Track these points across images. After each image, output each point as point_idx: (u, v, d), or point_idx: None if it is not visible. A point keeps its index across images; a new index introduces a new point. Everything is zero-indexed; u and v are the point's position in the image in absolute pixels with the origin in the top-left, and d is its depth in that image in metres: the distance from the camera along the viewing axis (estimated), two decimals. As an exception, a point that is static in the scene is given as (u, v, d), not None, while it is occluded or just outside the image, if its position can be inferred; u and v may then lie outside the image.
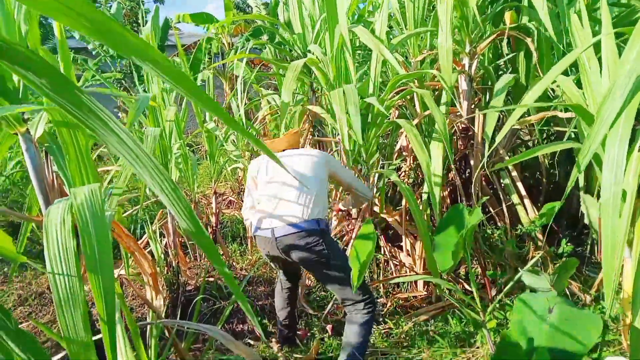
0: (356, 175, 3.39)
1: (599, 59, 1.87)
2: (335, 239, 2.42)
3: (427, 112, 3.23)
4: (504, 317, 2.13)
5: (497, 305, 1.77)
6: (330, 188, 2.64)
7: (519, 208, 3.05)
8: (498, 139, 1.95)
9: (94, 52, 10.14)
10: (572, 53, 1.78)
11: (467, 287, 2.82)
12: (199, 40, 7.82)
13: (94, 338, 1.53)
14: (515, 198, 3.13)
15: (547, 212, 1.99)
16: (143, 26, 3.89)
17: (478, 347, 2.01)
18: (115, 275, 2.04)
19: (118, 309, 1.47)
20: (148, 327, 1.87)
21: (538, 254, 2.00)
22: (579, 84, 2.28)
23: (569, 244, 1.94)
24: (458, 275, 2.82)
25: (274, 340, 2.58)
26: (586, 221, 2.10)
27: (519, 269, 2.26)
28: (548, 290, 1.52)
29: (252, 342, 2.63)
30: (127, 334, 1.54)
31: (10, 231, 4.63)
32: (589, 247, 2.48)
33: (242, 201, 4.74)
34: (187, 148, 3.68)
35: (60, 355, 1.38)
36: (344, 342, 2.16)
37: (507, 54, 3.35)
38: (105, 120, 0.79)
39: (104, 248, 1.07)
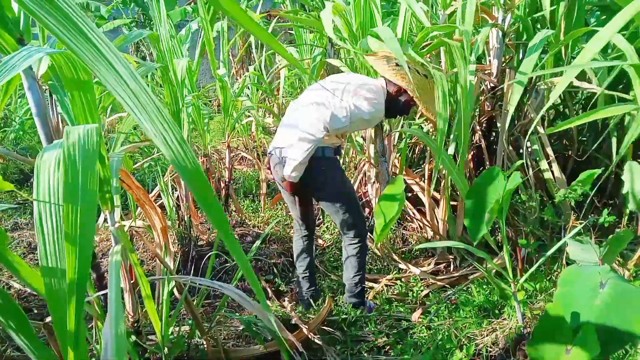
0: (377, 134, 3.24)
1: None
2: (338, 166, 2.36)
3: (454, 70, 3.03)
4: (534, 289, 2.03)
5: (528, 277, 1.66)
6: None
7: (547, 174, 2.90)
8: (550, 100, 1.77)
9: (106, -2, 9.84)
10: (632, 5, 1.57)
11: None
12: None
13: (100, 293, 1.45)
14: (543, 164, 2.97)
15: (585, 179, 1.84)
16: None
17: (505, 319, 1.92)
18: (126, 228, 1.95)
19: (127, 264, 1.38)
20: (158, 282, 1.80)
21: (578, 223, 1.87)
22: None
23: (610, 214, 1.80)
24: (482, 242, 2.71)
25: (287, 299, 2.52)
26: (625, 190, 1.95)
27: (555, 239, 2.15)
28: (595, 264, 1.39)
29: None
30: (135, 289, 1.46)
31: (22, 179, 4.60)
32: (626, 218, 2.34)
33: (255, 157, 4.64)
34: (202, 100, 3.54)
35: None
36: (344, 278, 2.41)
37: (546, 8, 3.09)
38: (98, 46, 0.65)
39: (88, 182, 0.95)
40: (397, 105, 2.32)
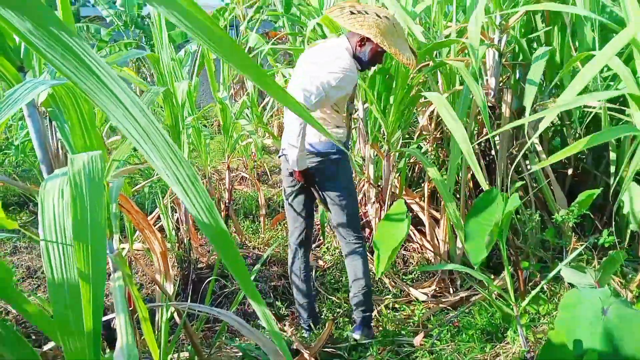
0: (374, 153, 3.25)
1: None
2: (347, 160, 2.35)
3: (453, 89, 3.06)
4: (537, 312, 2.01)
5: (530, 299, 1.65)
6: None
7: (547, 194, 2.90)
8: (542, 125, 1.78)
9: (108, 20, 9.97)
10: (627, 30, 1.59)
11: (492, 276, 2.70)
12: (212, 11, 7.61)
13: (103, 318, 1.44)
14: (543, 183, 2.97)
15: (584, 199, 1.84)
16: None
17: (508, 343, 1.89)
18: (125, 252, 1.94)
19: (125, 290, 1.37)
20: (157, 308, 1.78)
21: (579, 245, 1.86)
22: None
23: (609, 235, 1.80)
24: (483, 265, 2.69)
25: (287, 323, 2.49)
26: (625, 211, 1.95)
27: (556, 261, 2.14)
28: (592, 287, 1.38)
29: (264, 325, 2.54)
30: (133, 316, 1.45)
31: (22, 201, 4.59)
32: (627, 239, 2.33)
33: (255, 177, 4.64)
34: (202, 121, 3.56)
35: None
36: (350, 280, 2.35)
37: (541, 29, 3.13)
38: (103, 79, 0.65)
39: (97, 217, 0.95)
40: (364, 56, 2.22)
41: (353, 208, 2.31)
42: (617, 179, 2.02)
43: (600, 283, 1.40)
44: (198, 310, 1.62)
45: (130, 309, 1.46)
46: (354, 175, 3.92)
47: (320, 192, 2.31)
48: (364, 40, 2.18)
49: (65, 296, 0.92)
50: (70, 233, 1.01)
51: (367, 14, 2.12)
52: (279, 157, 2.39)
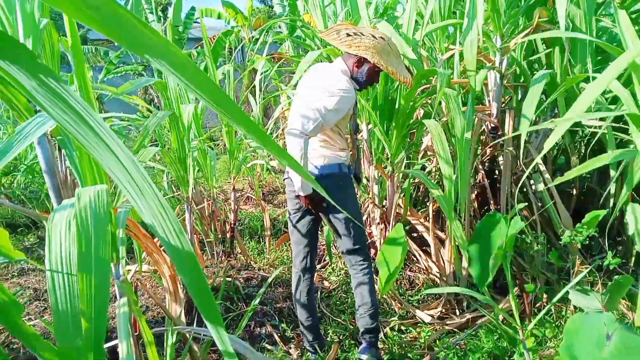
0: (379, 173, 3.27)
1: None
2: (350, 186, 2.33)
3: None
4: (543, 335, 1.99)
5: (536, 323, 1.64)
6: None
7: (552, 214, 2.90)
8: (546, 146, 1.80)
9: (116, 43, 10.17)
10: (627, 53, 1.62)
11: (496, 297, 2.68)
12: (219, 34, 7.77)
13: (106, 345, 1.45)
14: (548, 203, 2.97)
15: (590, 221, 1.84)
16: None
17: (514, 367, 1.88)
18: (132, 273, 1.96)
19: (130, 316, 1.38)
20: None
21: (584, 268, 1.86)
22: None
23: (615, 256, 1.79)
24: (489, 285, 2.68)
25: (292, 346, 2.48)
26: (630, 232, 1.94)
27: (563, 283, 2.12)
28: (599, 311, 1.38)
29: (269, 347, 2.54)
30: (139, 341, 1.46)
31: (30, 222, 4.64)
32: (633, 259, 2.32)
33: (260, 198, 4.66)
34: (207, 143, 3.61)
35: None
36: (357, 302, 2.35)
37: (542, 52, 3.18)
38: (103, 137, 0.68)
39: (102, 250, 0.98)
40: (361, 76, 2.24)
41: (360, 232, 2.30)
42: (622, 201, 2.02)
43: (607, 307, 1.40)
44: (203, 335, 1.63)
45: (136, 333, 1.47)
46: (358, 195, 3.94)
47: (327, 216, 2.31)
48: (360, 61, 2.22)
49: (69, 326, 0.95)
50: (75, 264, 1.04)
51: (363, 35, 2.17)
52: (284, 179, 2.41)
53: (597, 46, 3.03)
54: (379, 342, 2.42)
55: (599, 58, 3.59)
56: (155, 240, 3.05)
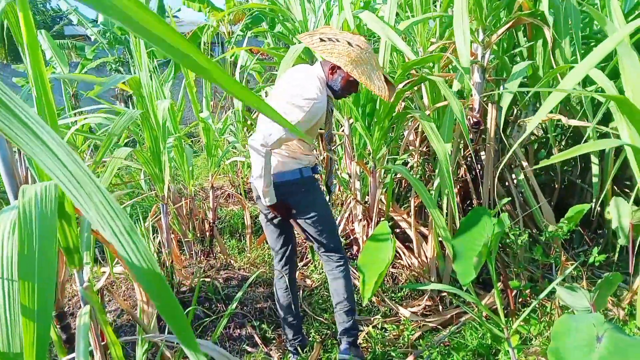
0: (360, 169, 3.22)
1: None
2: (317, 185, 2.27)
3: (437, 105, 3.04)
4: (528, 332, 1.96)
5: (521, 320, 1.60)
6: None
7: (535, 211, 2.88)
8: (529, 129, 1.76)
9: (92, 38, 9.91)
10: (612, 38, 1.58)
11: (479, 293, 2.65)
12: (195, 29, 7.60)
13: (69, 357, 1.36)
14: (530, 197, 2.96)
15: (574, 215, 1.81)
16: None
17: (499, 366, 1.84)
18: (104, 279, 1.86)
19: (94, 326, 1.30)
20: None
21: (569, 264, 1.83)
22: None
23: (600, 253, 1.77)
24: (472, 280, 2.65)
25: (273, 347, 2.42)
26: (613, 226, 1.93)
27: (546, 278, 2.09)
28: (588, 310, 1.35)
29: (249, 349, 2.47)
30: (106, 351, 1.37)
31: None
32: (616, 254, 2.31)
33: (240, 194, 4.58)
34: (185, 140, 3.50)
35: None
36: (333, 301, 2.31)
37: (524, 44, 3.15)
38: (33, 128, 0.60)
39: (47, 253, 0.89)
40: (336, 84, 2.14)
41: (331, 231, 2.25)
42: (603, 192, 2.00)
43: (596, 305, 1.36)
44: (176, 343, 1.55)
45: (104, 343, 1.38)
46: (340, 191, 3.89)
47: (296, 222, 2.25)
48: (334, 68, 2.12)
49: (7, 335, 0.86)
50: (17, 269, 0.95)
51: (338, 41, 2.06)
52: (249, 182, 2.32)
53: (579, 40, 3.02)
54: (360, 340, 2.37)
55: (582, 52, 3.60)
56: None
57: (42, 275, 0.82)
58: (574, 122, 2.22)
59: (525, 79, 3.02)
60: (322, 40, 2.09)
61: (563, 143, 3.65)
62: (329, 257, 2.28)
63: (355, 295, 2.42)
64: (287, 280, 2.40)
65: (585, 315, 1.14)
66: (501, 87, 3.24)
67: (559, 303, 1.91)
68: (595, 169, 2.88)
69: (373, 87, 2.06)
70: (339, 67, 2.09)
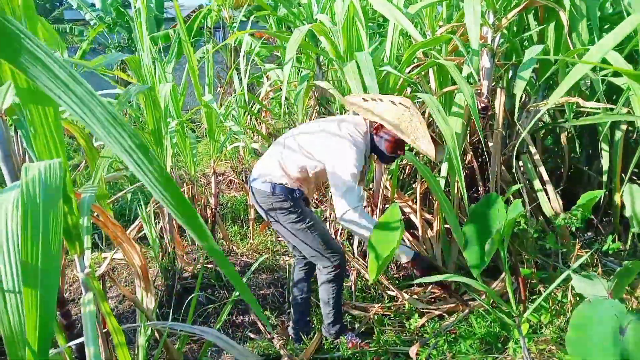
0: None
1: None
2: (297, 207, 2.19)
3: (445, 89, 2.98)
4: (538, 320, 1.93)
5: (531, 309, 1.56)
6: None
7: (541, 195, 2.83)
8: (550, 103, 1.71)
9: (92, 22, 9.79)
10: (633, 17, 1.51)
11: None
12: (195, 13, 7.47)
13: (71, 344, 1.33)
14: (537, 184, 2.91)
15: (586, 202, 1.76)
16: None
17: (509, 355, 1.81)
18: (105, 264, 1.82)
19: (98, 314, 1.26)
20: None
21: (583, 252, 1.79)
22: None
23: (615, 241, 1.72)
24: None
25: (276, 335, 2.39)
26: (627, 214, 1.88)
27: (555, 267, 2.05)
28: (605, 298, 1.30)
29: (253, 336, 2.44)
30: (108, 337, 1.34)
31: None
32: (628, 242, 2.27)
33: (243, 181, 4.53)
34: (187, 125, 3.44)
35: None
36: (321, 302, 2.33)
37: (534, 28, 3.07)
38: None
39: (52, 230, 0.85)
40: (380, 144, 2.11)
41: (322, 240, 2.19)
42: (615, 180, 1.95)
43: (614, 295, 1.32)
44: (180, 330, 1.52)
45: (105, 330, 1.35)
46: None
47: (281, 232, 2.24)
48: (378, 129, 2.10)
49: (13, 316, 0.83)
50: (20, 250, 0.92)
51: (381, 101, 2.02)
52: (249, 186, 2.27)
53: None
54: (363, 328, 2.37)
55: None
56: (128, 231, 2.90)
57: (46, 244, 0.78)
58: (591, 104, 2.16)
59: (536, 64, 2.94)
60: (365, 100, 2.04)
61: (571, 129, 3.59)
62: (318, 262, 2.27)
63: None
64: (304, 270, 2.41)
65: (605, 305, 1.10)
66: (510, 72, 3.17)
67: (571, 291, 1.87)
68: (605, 155, 2.82)
69: (424, 150, 1.97)
70: (382, 126, 2.03)
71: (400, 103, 2.02)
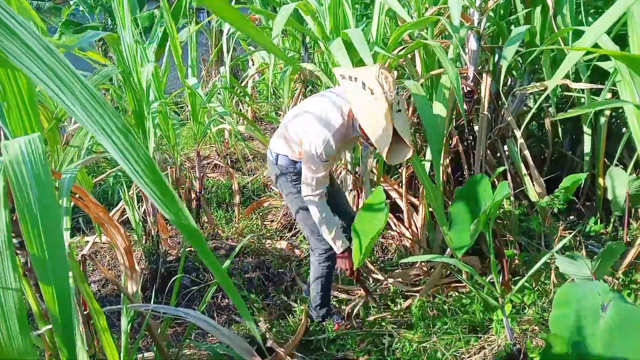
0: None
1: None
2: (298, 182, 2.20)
3: (431, 73, 2.96)
4: (521, 301, 1.95)
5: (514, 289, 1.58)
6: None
7: (526, 179, 2.85)
8: (549, 88, 1.69)
9: (72, 2, 9.50)
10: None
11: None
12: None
13: (50, 327, 1.30)
14: (522, 168, 2.93)
15: (570, 185, 1.78)
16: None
17: (492, 335, 1.83)
18: (88, 247, 1.79)
19: (75, 295, 1.23)
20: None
21: (568, 233, 1.80)
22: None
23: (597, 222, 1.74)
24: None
25: (262, 318, 2.38)
26: (609, 196, 1.90)
27: (537, 248, 2.07)
28: (588, 278, 1.32)
29: (237, 319, 2.44)
30: (89, 321, 1.31)
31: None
32: (611, 224, 2.30)
33: (228, 164, 4.48)
34: (170, 107, 3.37)
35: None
36: (310, 281, 2.36)
37: (521, 11, 3.06)
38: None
39: (51, 217, 0.82)
40: (359, 127, 1.94)
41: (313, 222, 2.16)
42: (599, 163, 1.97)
43: (597, 275, 1.34)
44: (163, 313, 1.49)
45: (86, 312, 1.32)
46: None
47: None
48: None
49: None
50: (5, 232, 0.89)
51: (356, 80, 1.88)
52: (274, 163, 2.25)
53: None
54: (349, 310, 2.39)
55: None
56: (116, 210, 2.85)
57: (47, 216, 0.75)
58: (582, 85, 2.17)
59: (522, 47, 2.94)
60: (342, 77, 1.95)
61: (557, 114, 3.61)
62: (314, 247, 2.28)
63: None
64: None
65: (589, 284, 1.11)
66: (496, 56, 3.17)
67: (554, 272, 1.90)
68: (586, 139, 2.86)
69: (372, 140, 1.84)
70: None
71: (369, 87, 1.81)
